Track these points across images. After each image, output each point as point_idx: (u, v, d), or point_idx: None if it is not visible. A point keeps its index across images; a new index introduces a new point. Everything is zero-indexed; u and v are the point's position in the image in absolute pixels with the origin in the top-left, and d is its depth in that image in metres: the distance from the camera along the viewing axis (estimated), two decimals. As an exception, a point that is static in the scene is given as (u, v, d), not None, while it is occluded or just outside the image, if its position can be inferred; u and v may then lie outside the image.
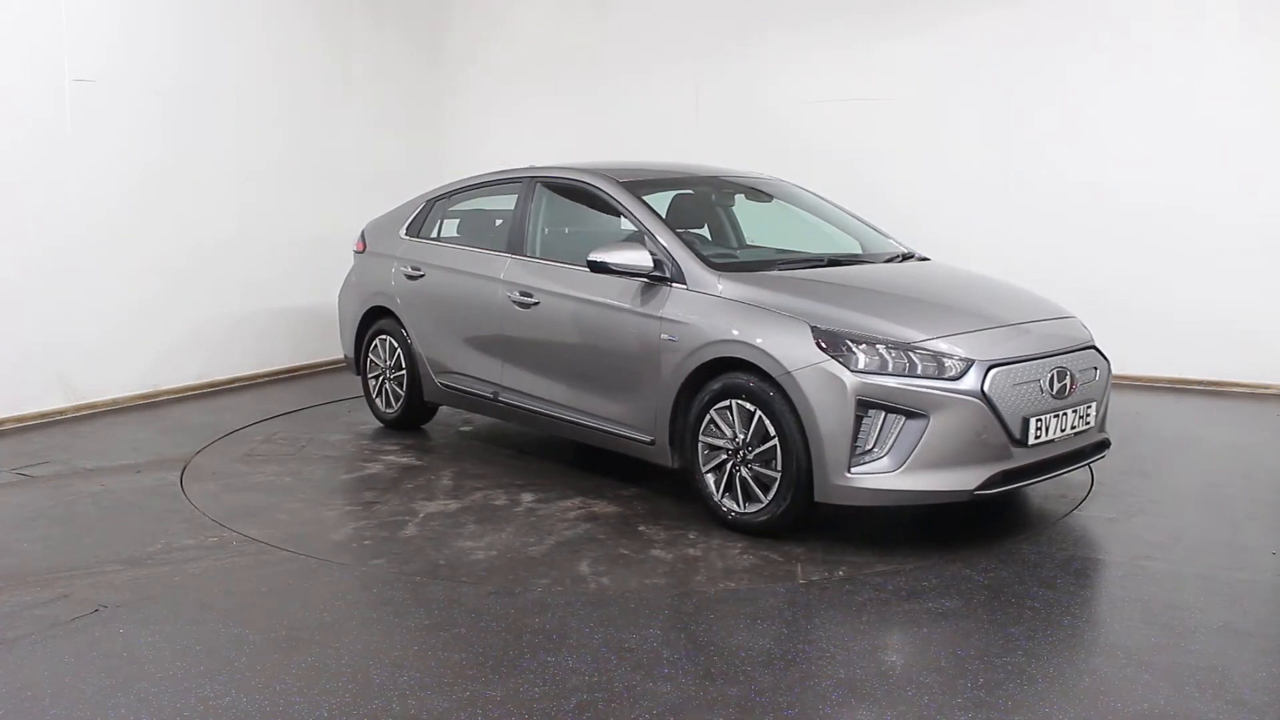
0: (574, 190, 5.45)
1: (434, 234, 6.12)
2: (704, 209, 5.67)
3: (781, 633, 3.43)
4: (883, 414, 3.99)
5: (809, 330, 4.14)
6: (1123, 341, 7.34)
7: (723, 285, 4.50)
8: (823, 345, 4.08)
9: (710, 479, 4.44)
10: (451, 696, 2.98)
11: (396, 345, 6.11)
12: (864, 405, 3.98)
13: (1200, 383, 7.30)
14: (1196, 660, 3.21)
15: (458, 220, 6.19)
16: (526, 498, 4.93)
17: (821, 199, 5.83)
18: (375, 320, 6.28)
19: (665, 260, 4.68)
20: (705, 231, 5.64)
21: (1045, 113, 7.58)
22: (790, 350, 4.13)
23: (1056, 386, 4.22)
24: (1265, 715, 2.89)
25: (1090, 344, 4.57)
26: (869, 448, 4.00)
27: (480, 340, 5.57)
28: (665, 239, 4.77)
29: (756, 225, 5.86)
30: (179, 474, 5.26)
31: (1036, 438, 4.13)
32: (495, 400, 5.53)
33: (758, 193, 5.77)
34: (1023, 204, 7.70)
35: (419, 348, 5.96)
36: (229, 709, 2.91)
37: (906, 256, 5.32)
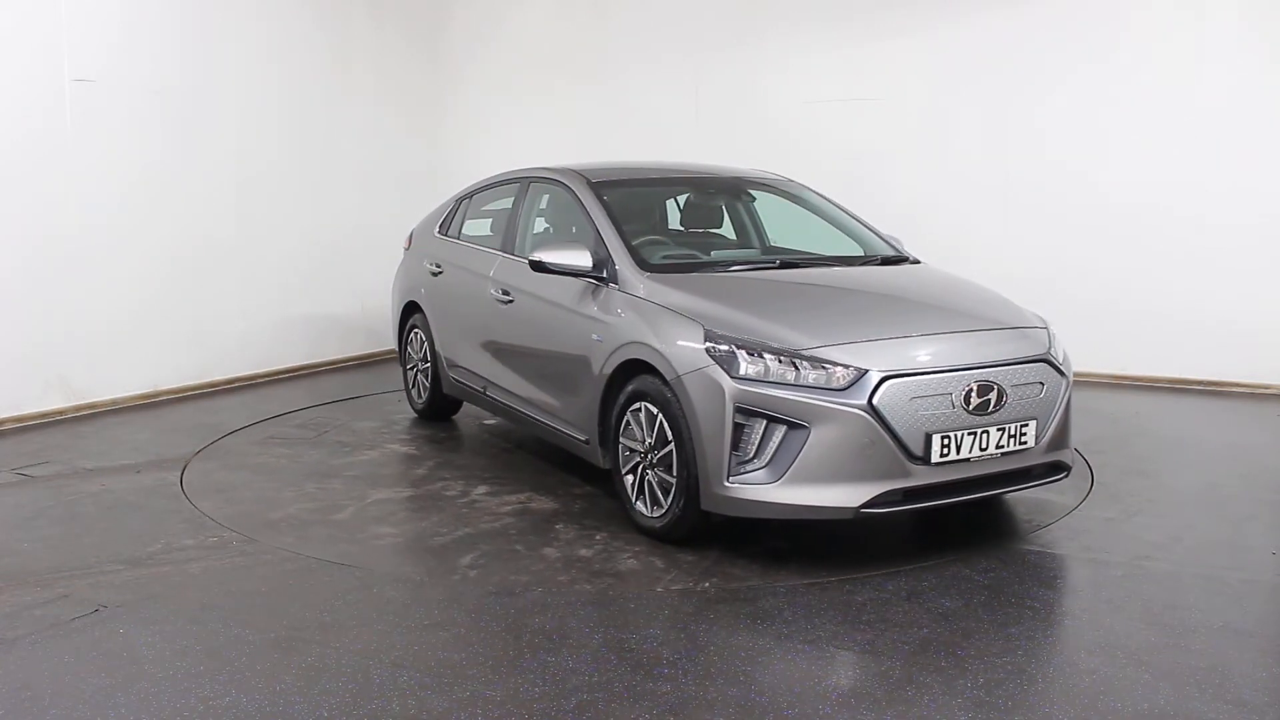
0: (554, 190, 5.46)
1: (457, 232, 6.22)
2: (701, 208, 5.65)
3: (781, 632, 3.43)
4: (763, 422, 3.83)
5: (703, 334, 4.04)
6: (1122, 341, 7.38)
7: (643, 286, 4.43)
8: (710, 350, 3.97)
9: (628, 481, 4.38)
10: (451, 696, 2.98)
11: (424, 339, 6.23)
12: (744, 412, 3.84)
13: (1200, 383, 7.29)
14: (1196, 660, 3.21)
15: (474, 220, 6.28)
16: (479, 490, 4.97)
17: (823, 198, 5.80)
18: (411, 315, 6.45)
19: (606, 260, 4.64)
20: (728, 230, 5.64)
21: (1045, 113, 7.57)
22: (682, 354, 4.04)
23: (975, 402, 3.91)
24: (1265, 715, 2.89)
25: (1040, 357, 4.17)
26: (749, 457, 3.86)
27: (476, 336, 5.65)
28: (609, 239, 4.72)
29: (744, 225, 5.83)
30: (179, 474, 5.26)
31: (943, 456, 3.86)
32: (485, 394, 5.60)
33: (745, 192, 5.73)
34: (1023, 204, 7.70)
35: (437, 342, 6.07)
36: (229, 709, 2.91)
37: (895, 259, 5.11)
